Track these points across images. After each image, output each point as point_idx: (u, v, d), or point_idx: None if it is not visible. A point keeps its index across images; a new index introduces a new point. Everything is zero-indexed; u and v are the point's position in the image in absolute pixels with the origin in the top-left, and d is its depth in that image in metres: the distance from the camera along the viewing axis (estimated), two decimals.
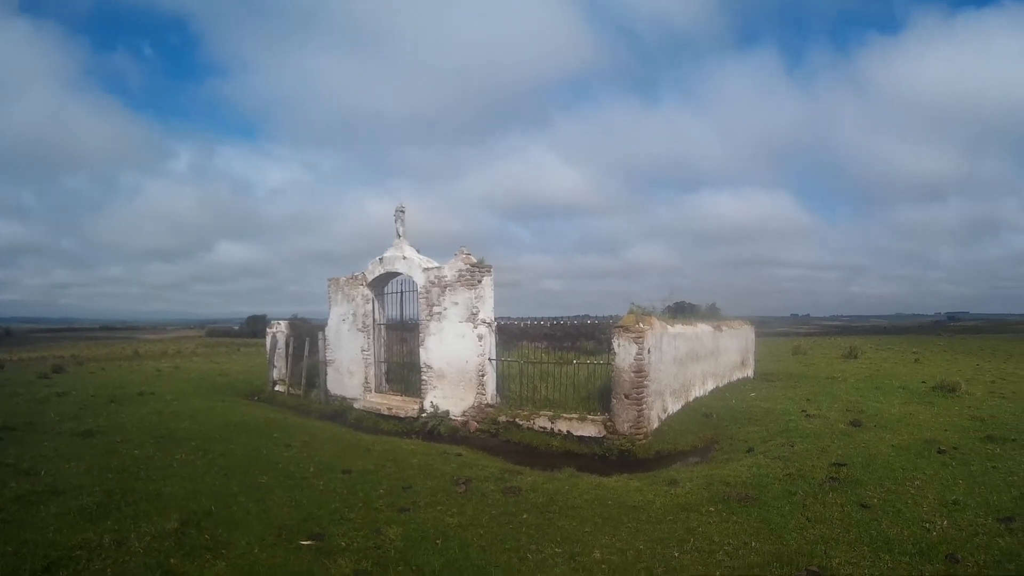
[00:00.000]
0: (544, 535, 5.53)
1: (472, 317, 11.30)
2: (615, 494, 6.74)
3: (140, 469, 7.80)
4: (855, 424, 9.65)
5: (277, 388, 16.05)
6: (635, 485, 7.23)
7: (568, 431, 10.11)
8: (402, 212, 12.98)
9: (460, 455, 9.32)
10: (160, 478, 7.38)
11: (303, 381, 15.07)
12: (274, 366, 16.34)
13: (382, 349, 13.67)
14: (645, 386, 9.58)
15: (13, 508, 6.20)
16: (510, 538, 5.47)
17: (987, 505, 5.87)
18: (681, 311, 12.84)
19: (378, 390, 13.47)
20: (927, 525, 5.35)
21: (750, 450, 8.81)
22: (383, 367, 13.70)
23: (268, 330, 16.82)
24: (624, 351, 9.54)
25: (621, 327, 9.65)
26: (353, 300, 13.69)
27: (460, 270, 11.45)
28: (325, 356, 14.39)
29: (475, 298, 11.26)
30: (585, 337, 17.74)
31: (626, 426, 9.54)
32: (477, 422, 11.17)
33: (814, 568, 4.77)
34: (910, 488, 6.35)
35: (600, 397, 10.52)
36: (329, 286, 14.39)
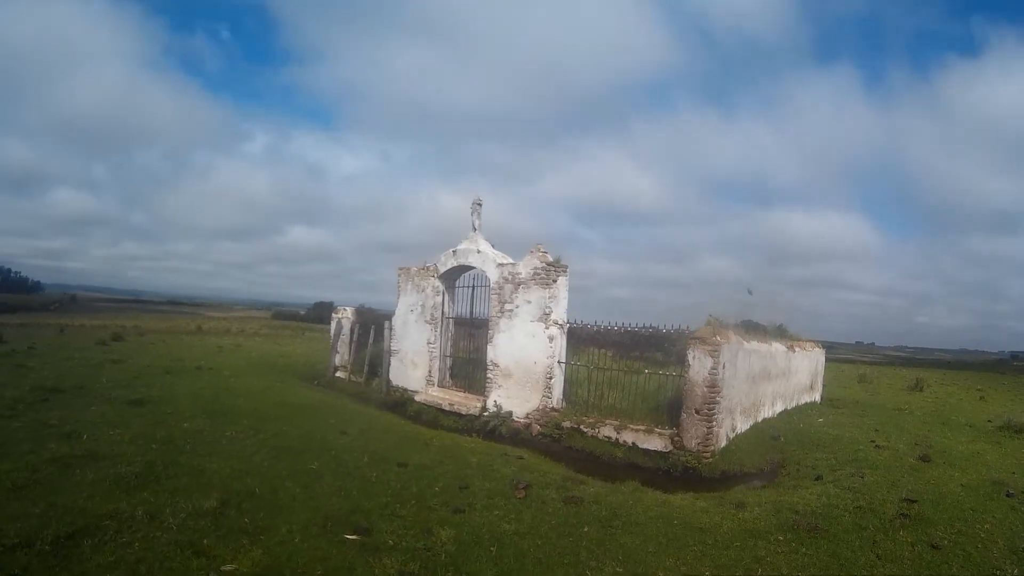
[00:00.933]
0: (605, 551, 5.46)
1: (544, 317, 11.50)
2: (681, 513, 6.76)
3: (186, 443, 7.66)
4: (924, 459, 9.68)
5: (338, 374, 16.62)
6: (701, 505, 7.24)
7: (633, 442, 10.23)
8: (479, 205, 13.28)
9: (521, 458, 9.41)
10: (206, 453, 7.24)
11: (365, 369, 15.59)
12: (337, 352, 16.92)
13: (448, 343, 14.01)
14: (717, 402, 9.61)
15: (48, 470, 6.06)
16: (569, 552, 5.39)
17: None
18: (753, 328, 12.67)
19: (441, 384, 13.83)
20: (998, 572, 5.35)
21: (819, 477, 8.91)
22: (448, 361, 14.08)
23: (333, 315, 17.39)
24: (698, 364, 9.57)
25: (697, 338, 9.69)
26: (423, 291, 14.06)
27: (535, 268, 11.65)
28: (390, 346, 14.80)
29: (549, 298, 11.46)
30: (654, 348, 17.71)
31: (694, 442, 9.58)
32: (540, 425, 11.36)
33: None
34: (980, 531, 6.28)
35: (668, 410, 10.60)
36: (399, 275, 14.80)
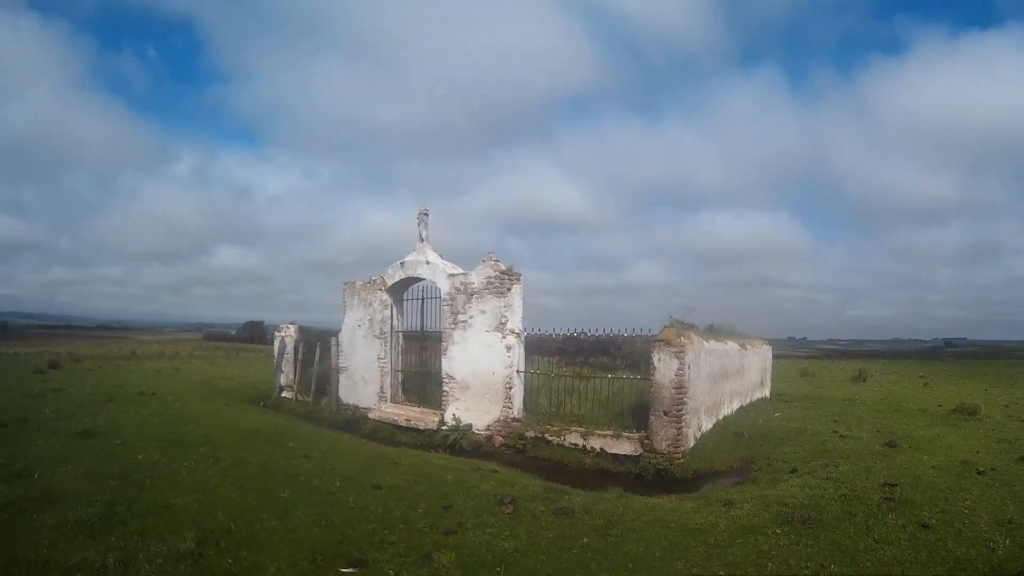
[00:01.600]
0: (612, 561, 5.32)
1: (500, 327, 11.17)
2: (674, 516, 6.65)
3: (145, 476, 7.22)
4: (890, 445, 9.92)
5: (284, 394, 15.74)
6: (690, 506, 7.18)
7: (602, 448, 10.00)
8: (426, 215, 12.87)
9: (495, 471, 9.18)
10: (168, 487, 6.82)
11: (313, 388, 14.71)
12: (282, 371, 16.06)
13: (399, 357, 13.39)
14: (684, 403, 9.53)
15: (2, 516, 5.57)
16: (577, 565, 5.22)
17: None
18: (709, 329, 12.73)
19: (394, 400, 13.27)
20: (991, 544, 5.50)
21: (794, 471, 8.92)
22: (399, 376, 13.43)
23: (276, 334, 16.50)
24: (664, 366, 9.45)
25: (662, 340, 9.57)
26: (370, 305, 13.46)
27: (489, 277, 11.30)
28: (338, 363, 14.06)
29: (504, 307, 11.16)
30: (599, 353, 17.57)
31: (664, 444, 9.44)
32: (502, 437, 10.99)
33: None
34: (963, 508, 6.48)
35: (633, 414, 10.45)
36: (344, 290, 14.15)
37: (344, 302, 14.27)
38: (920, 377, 24.84)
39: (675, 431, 9.52)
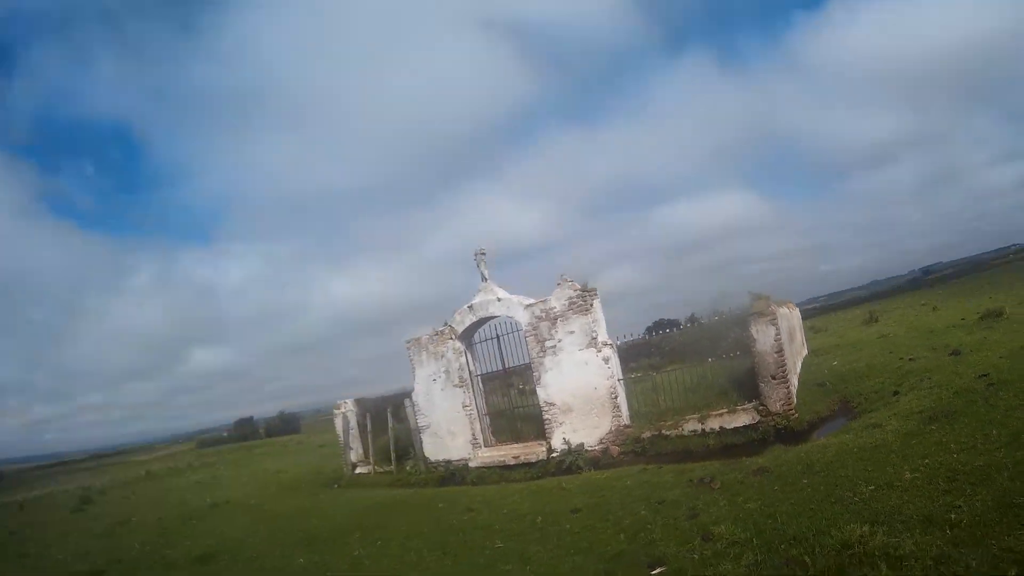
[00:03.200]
0: (848, 482, 6.32)
1: (593, 342, 12.08)
2: (847, 446, 7.69)
3: None
4: (955, 354, 11.82)
5: (359, 470, 15.86)
6: (848, 438, 8.23)
7: (720, 427, 11.01)
8: (483, 255, 13.70)
9: (644, 469, 9.90)
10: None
11: (393, 455, 14.98)
12: (350, 447, 16.21)
13: (483, 402, 13.91)
14: (785, 365, 10.58)
15: None
16: (827, 496, 6.12)
17: None
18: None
19: (486, 444, 13.66)
20: None
21: (896, 393, 10.33)
22: (487, 420, 13.91)
23: (336, 411, 16.76)
24: (763, 335, 10.62)
25: (757, 313, 10.67)
26: (443, 356, 14.02)
27: (570, 298, 12.22)
28: (416, 423, 14.44)
29: (592, 322, 12.10)
30: (644, 356, 18.90)
31: (779, 405, 10.54)
32: (618, 446, 11.81)
33: None
34: None
35: (737, 389, 11.36)
36: (409, 348, 14.66)
37: (411, 360, 14.70)
38: (923, 305, 27.15)
39: (785, 391, 10.68)
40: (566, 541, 6.93)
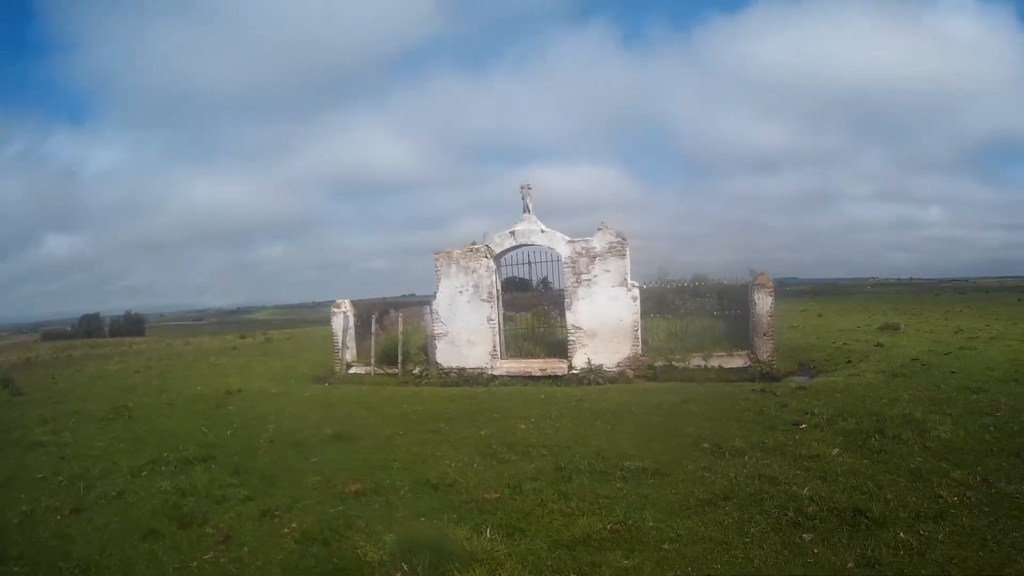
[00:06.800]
0: (871, 395, 10.00)
1: (624, 281, 14.94)
2: (846, 383, 11.72)
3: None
4: (880, 346, 16.14)
5: (353, 370, 17.28)
6: (839, 378, 12.55)
7: (720, 365, 14.59)
8: (529, 189, 15.95)
9: (669, 383, 12.91)
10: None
11: (400, 357, 16.67)
12: (347, 347, 17.50)
13: (503, 319, 16.18)
14: (773, 326, 14.16)
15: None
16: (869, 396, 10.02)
17: None
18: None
19: (503, 357, 15.97)
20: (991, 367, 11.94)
21: (849, 361, 14.31)
22: (503, 336, 16.20)
23: (334, 310, 17.92)
24: (762, 301, 14.39)
25: (759, 284, 14.18)
26: (474, 272, 16.10)
27: (610, 242, 15.06)
28: (434, 330, 16.31)
29: (625, 265, 14.84)
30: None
31: (766, 355, 14.34)
32: (632, 370, 14.86)
33: None
34: (960, 361, 12.93)
35: (732, 339, 14.86)
36: (437, 260, 16.50)
37: (437, 270, 16.48)
38: (803, 311, 33.04)
39: (771, 345, 14.61)
40: (639, 425, 9.06)
